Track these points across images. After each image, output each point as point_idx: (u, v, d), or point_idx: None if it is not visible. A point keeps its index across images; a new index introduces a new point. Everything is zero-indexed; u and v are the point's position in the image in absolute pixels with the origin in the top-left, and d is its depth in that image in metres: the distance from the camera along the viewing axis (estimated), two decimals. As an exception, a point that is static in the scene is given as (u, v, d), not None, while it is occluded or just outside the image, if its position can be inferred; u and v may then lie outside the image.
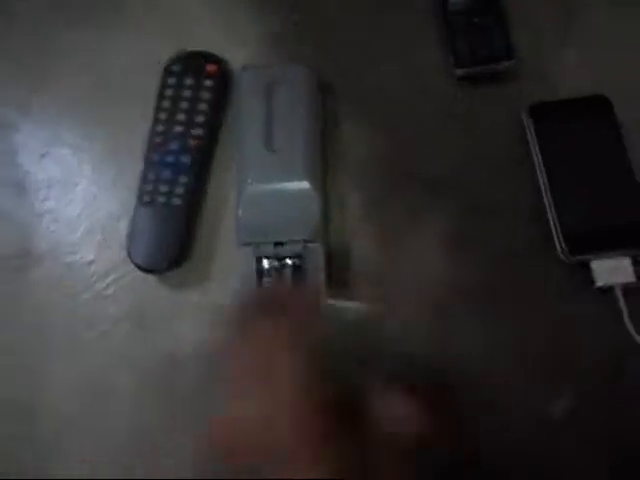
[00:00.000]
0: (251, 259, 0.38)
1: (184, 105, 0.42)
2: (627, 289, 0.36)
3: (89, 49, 0.47)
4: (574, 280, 0.37)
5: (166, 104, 0.42)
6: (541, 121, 0.39)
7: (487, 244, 0.39)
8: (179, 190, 0.40)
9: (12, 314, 0.42)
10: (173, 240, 0.40)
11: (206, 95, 0.42)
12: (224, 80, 0.44)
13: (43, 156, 0.45)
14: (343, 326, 0.31)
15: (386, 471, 0.26)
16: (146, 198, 0.41)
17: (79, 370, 0.40)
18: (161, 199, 0.40)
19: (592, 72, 0.41)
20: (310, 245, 0.38)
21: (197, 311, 0.40)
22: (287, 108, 0.40)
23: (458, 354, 0.37)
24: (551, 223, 0.37)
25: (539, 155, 0.38)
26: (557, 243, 0.37)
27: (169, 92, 0.43)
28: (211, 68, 0.43)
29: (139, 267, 0.40)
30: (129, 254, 0.40)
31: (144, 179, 0.41)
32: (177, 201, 0.40)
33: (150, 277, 0.41)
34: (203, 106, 0.42)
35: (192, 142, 0.41)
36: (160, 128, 0.42)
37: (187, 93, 0.42)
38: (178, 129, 0.42)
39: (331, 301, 0.33)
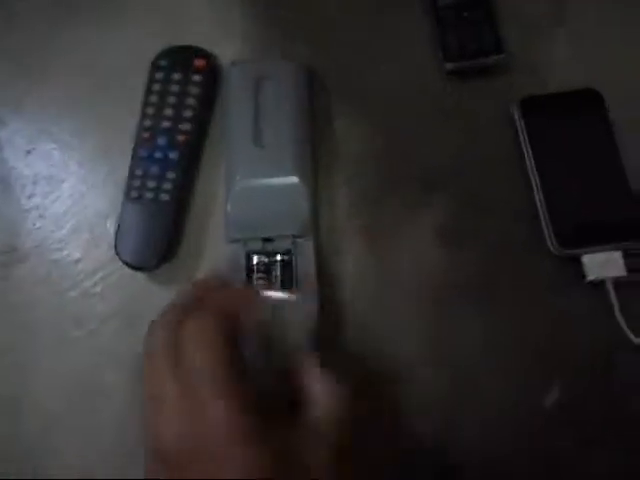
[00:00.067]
0: (240, 255, 0.38)
1: (172, 100, 0.42)
2: (618, 283, 0.36)
3: (81, 47, 0.46)
4: (565, 274, 0.37)
5: (154, 99, 0.42)
6: (531, 115, 0.39)
7: (479, 239, 0.39)
8: (167, 186, 0.40)
9: (-3, 310, 0.41)
10: (161, 236, 0.39)
11: (194, 90, 0.42)
12: (213, 75, 0.43)
13: (29, 152, 0.45)
14: (279, 317, 0.31)
15: (322, 466, 0.26)
16: (134, 194, 0.40)
17: (67, 368, 0.39)
18: (149, 195, 0.40)
19: (582, 66, 0.41)
20: (299, 240, 0.37)
21: (186, 308, 0.39)
22: (276, 103, 0.40)
23: (454, 347, 0.37)
24: (542, 217, 0.37)
25: (529, 149, 0.38)
26: (548, 237, 0.37)
27: (157, 87, 0.42)
28: (199, 63, 0.43)
29: (127, 264, 0.39)
30: (117, 251, 0.40)
31: (132, 175, 0.41)
32: (165, 197, 0.40)
33: (138, 274, 0.40)
34: (191, 101, 0.42)
35: (180, 137, 0.41)
36: (148, 123, 0.41)
37: (175, 88, 0.42)
38: (166, 124, 0.41)
39: (266, 293, 0.32)
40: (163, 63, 0.43)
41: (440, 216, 0.40)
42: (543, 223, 0.37)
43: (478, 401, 0.36)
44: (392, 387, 0.37)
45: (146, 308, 0.39)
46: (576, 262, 0.37)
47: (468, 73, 0.42)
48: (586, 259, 0.36)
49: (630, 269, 0.36)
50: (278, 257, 0.37)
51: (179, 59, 0.43)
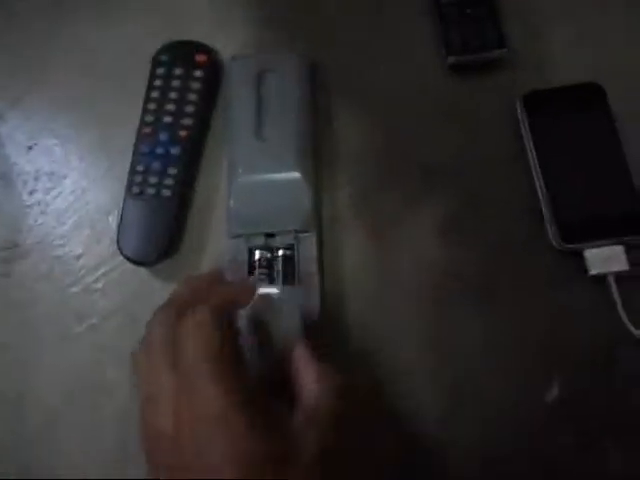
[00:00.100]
0: (242, 250, 0.38)
1: (173, 95, 0.42)
2: (620, 277, 0.36)
3: (81, 45, 0.46)
4: (567, 269, 0.37)
5: (155, 94, 0.42)
6: (534, 110, 0.39)
7: (481, 233, 0.39)
8: (169, 181, 0.40)
9: (-2, 306, 0.41)
10: (163, 232, 0.39)
11: (196, 85, 0.42)
12: (214, 70, 0.43)
13: (30, 148, 0.44)
14: (274, 309, 0.32)
15: (314, 448, 0.26)
16: (135, 190, 0.40)
17: (68, 364, 0.39)
18: (150, 190, 0.40)
19: (585, 61, 0.41)
20: (301, 235, 0.37)
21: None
22: (278, 97, 0.40)
23: (454, 342, 0.37)
24: (544, 212, 0.37)
25: (532, 144, 0.38)
26: (550, 232, 0.37)
27: (158, 82, 0.42)
28: (201, 58, 0.43)
29: (129, 259, 0.39)
30: (119, 246, 0.40)
31: (133, 170, 0.40)
32: (167, 192, 0.40)
33: (140, 270, 0.40)
34: (193, 96, 0.42)
35: (182, 133, 0.41)
36: (149, 119, 0.41)
37: (176, 83, 0.42)
38: (167, 119, 0.41)
39: (261, 286, 0.33)
40: (164, 58, 0.43)
41: (442, 211, 0.39)
42: (545, 218, 0.37)
43: (478, 401, 0.36)
44: (391, 386, 0.37)
45: (148, 304, 0.39)
46: (578, 257, 0.37)
47: (470, 68, 0.41)
48: (588, 254, 0.36)
49: (632, 263, 0.36)
50: (280, 252, 0.37)
51: (180, 54, 0.43)
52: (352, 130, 0.42)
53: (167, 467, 0.26)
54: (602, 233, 0.36)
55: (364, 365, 0.37)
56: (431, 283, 0.38)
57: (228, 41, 0.45)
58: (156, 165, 0.40)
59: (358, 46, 0.44)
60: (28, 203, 0.43)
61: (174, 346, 0.27)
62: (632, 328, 0.35)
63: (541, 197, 0.37)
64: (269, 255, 0.38)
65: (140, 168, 0.40)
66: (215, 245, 0.40)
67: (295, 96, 0.40)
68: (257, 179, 0.38)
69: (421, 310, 0.38)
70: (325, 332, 0.37)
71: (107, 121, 0.44)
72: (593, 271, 0.36)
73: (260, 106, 0.39)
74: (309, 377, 0.29)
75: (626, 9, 0.42)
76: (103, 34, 0.46)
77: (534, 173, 0.38)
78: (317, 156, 0.41)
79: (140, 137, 0.41)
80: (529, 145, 0.38)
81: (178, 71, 0.42)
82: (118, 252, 0.40)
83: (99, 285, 0.41)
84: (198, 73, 0.42)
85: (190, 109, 0.41)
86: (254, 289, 0.32)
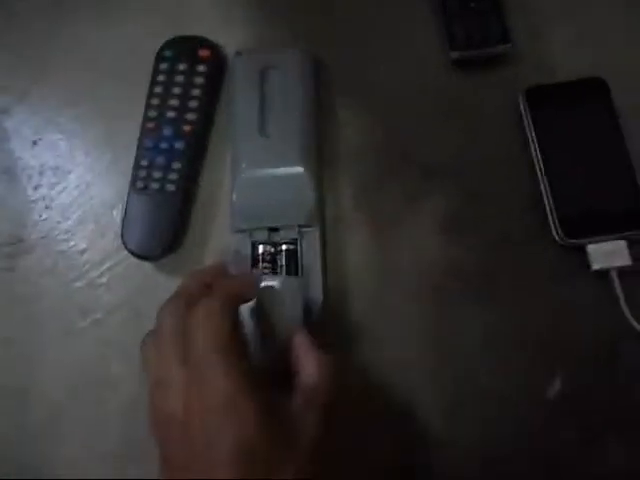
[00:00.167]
0: (245, 244, 0.38)
1: (177, 90, 0.42)
2: (623, 272, 0.36)
3: (87, 40, 0.46)
4: (570, 264, 0.37)
5: (159, 89, 0.42)
6: (537, 104, 0.39)
7: (484, 229, 0.39)
8: (173, 176, 0.40)
9: (3, 301, 0.41)
10: (167, 226, 0.39)
11: (199, 80, 0.42)
12: (218, 65, 0.43)
13: (35, 143, 0.45)
14: (276, 298, 0.32)
15: (312, 428, 0.27)
16: (139, 184, 0.40)
17: (73, 359, 0.40)
18: (155, 185, 0.40)
19: (589, 56, 0.41)
20: (305, 230, 0.38)
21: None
22: (281, 93, 0.40)
23: (455, 337, 0.37)
24: (547, 207, 0.37)
25: (535, 138, 0.38)
26: (553, 227, 0.37)
27: (162, 77, 0.42)
28: (204, 53, 0.43)
29: (133, 253, 0.39)
30: (123, 240, 0.40)
31: (137, 165, 0.41)
32: (171, 187, 0.40)
33: (145, 264, 0.40)
34: (196, 91, 0.42)
35: (186, 128, 0.41)
36: (153, 114, 0.41)
37: (180, 78, 0.42)
38: (171, 114, 0.41)
39: (265, 277, 0.34)
40: (168, 54, 0.43)
41: (443, 205, 0.40)
42: (548, 212, 0.37)
43: (478, 400, 0.36)
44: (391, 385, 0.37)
45: (152, 298, 0.39)
46: (581, 251, 0.37)
47: (474, 63, 0.41)
48: (591, 248, 0.36)
49: (635, 258, 0.36)
50: (283, 247, 0.38)
51: (184, 49, 0.43)
52: (354, 129, 0.42)
53: (177, 458, 0.26)
54: (605, 228, 0.36)
55: (364, 364, 0.37)
56: (431, 281, 0.38)
57: (228, 40, 0.45)
58: (160, 160, 0.40)
59: (359, 44, 0.44)
60: (33, 198, 0.43)
61: (184, 337, 0.27)
62: (635, 323, 0.35)
63: (544, 192, 0.37)
64: (272, 249, 0.38)
65: (144, 163, 0.40)
66: (219, 240, 0.40)
67: (299, 92, 0.40)
68: (261, 174, 0.38)
69: (421, 309, 0.38)
70: (328, 328, 0.37)
71: (112, 116, 0.44)
72: (596, 266, 0.36)
73: (264, 102, 0.39)
74: (309, 364, 0.29)
75: (630, 4, 0.42)
76: (103, 34, 0.46)
77: (537, 168, 0.38)
78: (319, 154, 0.41)
79: (144, 132, 0.41)
80: (532, 139, 0.38)
81: (182, 66, 0.42)
82: (122, 247, 0.40)
83: (103, 280, 0.41)
84: (201, 68, 0.42)
85: (194, 104, 0.41)
86: (258, 282, 0.32)
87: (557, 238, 0.37)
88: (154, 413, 0.28)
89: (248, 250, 0.38)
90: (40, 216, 0.43)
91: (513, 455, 0.35)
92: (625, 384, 0.35)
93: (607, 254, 0.36)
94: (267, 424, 0.25)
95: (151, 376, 0.28)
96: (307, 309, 0.34)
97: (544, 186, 0.37)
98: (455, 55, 0.41)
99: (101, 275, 0.41)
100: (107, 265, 0.41)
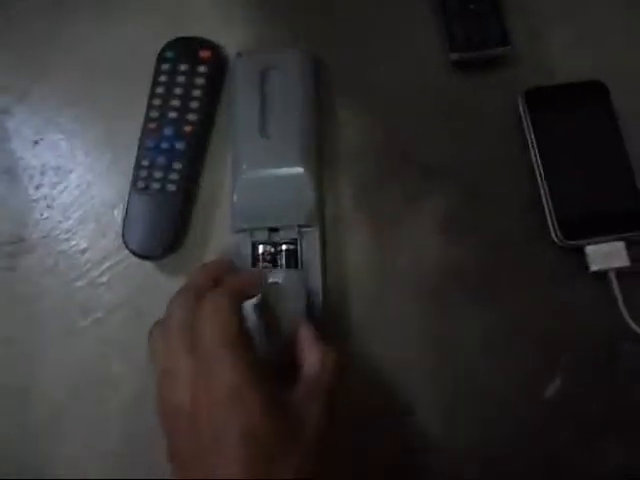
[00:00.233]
0: (246, 244, 0.38)
1: (178, 91, 0.42)
2: (621, 273, 0.36)
3: (87, 40, 0.46)
4: (568, 265, 0.37)
5: (160, 90, 0.42)
6: (536, 106, 0.39)
7: (484, 229, 0.39)
8: (173, 176, 0.40)
9: (4, 300, 0.41)
10: (168, 226, 0.40)
11: (200, 81, 0.42)
12: (219, 66, 0.44)
13: (37, 143, 0.45)
14: (280, 293, 0.33)
15: (315, 419, 0.27)
16: (140, 184, 0.40)
17: (74, 358, 0.40)
18: (155, 185, 0.40)
19: (589, 58, 0.41)
20: (305, 230, 0.38)
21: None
22: (282, 93, 0.40)
23: (454, 338, 0.37)
24: (546, 208, 0.37)
25: (534, 140, 0.38)
26: (552, 228, 0.37)
27: (163, 78, 0.42)
28: (205, 54, 0.43)
29: (134, 253, 0.40)
30: (124, 240, 0.40)
31: (138, 165, 0.41)
32: (172, 187, 0.40)
33: (146, 264, 0.41)
34: (197, 92, 0.42)
35: (186, 128, 0.41)
36: (154, 114, 0.41)
37: (181, 79, 0.42)
38: (172, 115, 0.41)
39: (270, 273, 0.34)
40: (169, 54, 0.43)
41: (443, 206, 0.40)
42: (547, 214, 0.37)
43: (478, 400, 0.36)
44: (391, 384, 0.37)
45: (153, 298, 0.40)
46: (579, 253, 0.37)
47: (473, 65, 0.42)
48: (589, 250, 0.36)
49: (633, 259, 0.36)
50: (284, 247, 0.38)
51: (185, 50, 0.43)
52: (354, 129, 0.42)
53: (185, 450, 0.27)
54: (603, 229, 0.36)
55: (364, 363, 0.37)
56: (431, 282, 0.38)
57: (229, 41, 0.45)
58: (161, 160, 0.40)
59: (359, 44, 0.44)
60: (34, 197, 0.43)
61: (192, 330, 0.28)
62: (633, 324, 0.35)
63: (543, 193, 0.38)
64: (272, 249, 0.38)
65: (145, 163, 0.41)
66: (219, 239, 0.41)
67: (299, 93, 0.40)
68: (261, 174, 0.38)
69: (421, 309, 0.38)
70: (328, 328, 0.37)
71: (112, 116, 0.44)
72: (594, 267, 0.36)
73: (264, 103, 0.39)
74: (313, 356, 0.30)
75: (629, 7, 0.42)
76: (103, 34, 0.46)
77: (536, 169, 0.38)
78: (319, 154, 0.41)
79: (145, 132, 0.41)
80: (531, 141, 0.39)
81: (183, 67, 0.42)
82: (123, 246, 0.40)
83: (104, 279, 0.41)
84: (202, 69, 0.42)
85: (195, 105, 0.41)
86: (262, 278, 0.33)
87: (556, 239, 0.37)
88: (162, 404, 0.28)
89: (248, 250, 0.38)
90: (41, 215, 0.43)
91: (513, 455, 0.35)
92: (624, 384, 0.36)
93: (605, 255, 0.36)
94: (272, 415, 0.26)
95: (159, 366, 0.29)
96: (310, 302, 0.35)
97: (543, 187, 0.38)
98: (455, 57, 0.41)
99: (102, 274, 0.41)
100: (108, 264, 0.41)
